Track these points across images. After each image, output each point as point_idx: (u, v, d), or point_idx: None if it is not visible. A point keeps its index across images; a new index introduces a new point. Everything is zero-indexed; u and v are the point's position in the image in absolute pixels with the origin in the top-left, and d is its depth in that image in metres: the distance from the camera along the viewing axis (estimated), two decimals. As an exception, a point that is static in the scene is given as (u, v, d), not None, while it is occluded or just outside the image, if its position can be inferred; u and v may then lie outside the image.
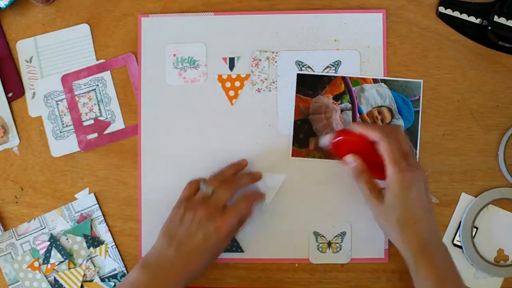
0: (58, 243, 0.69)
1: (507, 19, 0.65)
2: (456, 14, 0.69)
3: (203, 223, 0.60)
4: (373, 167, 0.61)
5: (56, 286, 0.68)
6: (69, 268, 0.69)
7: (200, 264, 0.60)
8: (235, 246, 0.68)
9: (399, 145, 0.59)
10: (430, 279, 0.56)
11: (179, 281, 0.59)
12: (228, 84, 0.70)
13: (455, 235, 0.67)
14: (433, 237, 0.59)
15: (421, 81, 0.69)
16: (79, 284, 0.68)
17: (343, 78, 0.69)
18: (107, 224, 0.69)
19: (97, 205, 0.70)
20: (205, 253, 0.60)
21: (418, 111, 0.69)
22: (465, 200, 0.68)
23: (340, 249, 0.68)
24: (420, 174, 0.59)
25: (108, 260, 0.69)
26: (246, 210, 0.63)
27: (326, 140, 0.64)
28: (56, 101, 0.71)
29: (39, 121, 0.71)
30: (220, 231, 0.60)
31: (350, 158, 0.63)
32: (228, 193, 0.63)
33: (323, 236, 0.68)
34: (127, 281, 0.59)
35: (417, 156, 0.68)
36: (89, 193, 0.70)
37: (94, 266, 0.69)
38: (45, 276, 0.69)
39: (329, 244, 0.68)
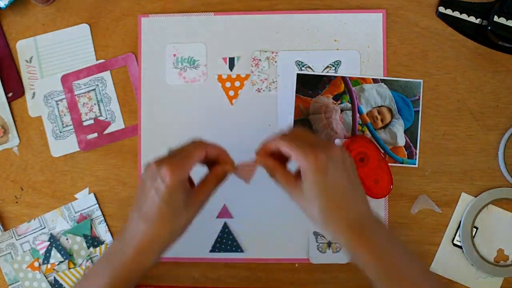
0: (58, 243, 0.69)
1: (507, 19, 0.65)
2: (456, 14, 0.69)
3: (153, 176, 0.53)
4: (369, 179, 0.64)
5: (56, 286, 0.68)
6: (69, 268, 0.69)
7: (162, 222, 0.54)
8: (235, 246, 0.68)
9: (302, 138, 0.55)
10: (373, 261, 0.52)
11: (145, 247, 0.54)
12: (228, 84, 0.70)
13: (455, 235, 0.67)
14: (365, 217, 0.54)
15: (421, 81, 0.69)
16: (79, 284, 0.68)
17: (343, 78, 0.69)
18: (107, 224, 0.69)
19: (97, 205, 0.70)
20: (162, 207, 0.53)
21: (418, 111, 0.69)
22: (465, 200, 0.68)
23: (340, 249, 0.68)
24: (334, 153, 0.53)
25: (108, 260, 0.69)
26: (196, 151, 0.55)
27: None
28: (56, 101, 0.71)
29: (39, 121, 0.71)
30: (166, 178, 0.52)
31: (260, 161, 0.58)
32: (188, 147, 0.56)
33: (323, 236, 0.68)
34: (104, 252, 0.60)
35: (417, 156, 0.68)
36: (89, 193, 0.70)
37: (94, 266, 0.69)
38: (45, 276, 0.69)
39: (329, 244, 0.68)
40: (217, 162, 0.57)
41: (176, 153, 0.55)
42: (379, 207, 0.68)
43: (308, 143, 0.54)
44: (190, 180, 0.57)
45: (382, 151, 0.68)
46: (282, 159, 0.57)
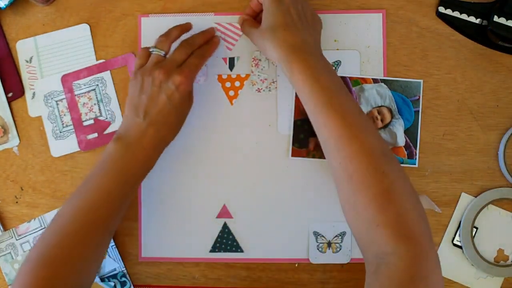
0: (58, 243, 0.69)
1: (507, 19, 0.65)
2: (456, 14, 0.69)
3: (163, 84, 0.60)
4: None
5: (56, 286, 0.68)
6: (69, 268, 0.69)
7: (170, 125, 0.61)
8: (235, 246, 0.68)
9: None
10: (304, 74, 0.57)
11: (153, 147, 0.60)
12: (228, 84, 0.70)
13: (455, 235, 0.67)
14: (308, 44, 0.59)
15: (421, 81, 0.69)
16: (79, 284, 0.68)
17: (343, 78, 0.69)
18: (107, 224, 0.69)
19: (97, 205, 0.69)
20: (172, 113, 0.61)
21: (418, 111, 0.69)
22: (465, 200, 0.68)
23: (340, 249, 0.68)
24: None
25: (108, 260, 0.69)
26: (201, 63, 0.64)
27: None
28: (56, 101, 0.71)
29: (39, 121, 0.71)
30: (181, 87, 0.60)
31: (239, 20, 0.68)
32: (183, 54, 0.63)
33: (323, 236, 0.68)
34: (104, 156, 0.59)
35: (417, 156, 0.68)
36: (89, 193, 0.70)
37: (94, 266, 0.69)
38: (45, 276, 0.69)
39: (329, 244, 0.68)
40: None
41: (185, 64, 0.62)
42: (379, 207, 0.68)
43: None
44: None
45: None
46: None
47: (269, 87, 0.70)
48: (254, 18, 0.68)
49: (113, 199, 0.58)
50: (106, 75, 0.71)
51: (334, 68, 0.68)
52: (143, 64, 0.63)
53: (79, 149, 0.70)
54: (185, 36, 0.66)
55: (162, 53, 0.62)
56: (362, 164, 0.52)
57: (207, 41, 0.67)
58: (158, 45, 0.63)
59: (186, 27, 0.67)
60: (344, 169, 0.54)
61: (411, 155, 0.68)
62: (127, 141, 0.59)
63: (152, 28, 0.71)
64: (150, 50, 0.63)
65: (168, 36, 0.64)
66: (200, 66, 0.64)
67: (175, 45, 0.65)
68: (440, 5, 0.69)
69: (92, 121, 0.71)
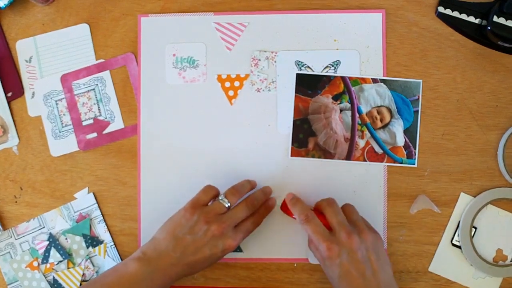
0: (57, 242, 0.69)
1: (507, 19, 0.65)
2: (456, 14, 0.69)
3: (213, 240, 0.60)
4: None
5: (55, 285, 0.68)
6: (68, 268, 0.69)
7: (197, 271, 0.62)
8: (234, 246, 0.69)
9: (328, 220, 0.61)
10: None
11: (173, 280, 0.60)
12: (227, 84, 0.70)
13: (454, 235, 0.67)
14: None
15: (421, 81, 0.69)
16: (78, 284, 0.68)
17: (343, 78, 0.69)
18: (106, 224, 0.69)
19: (96, 205, 0.70)
20: (206, 264, 0.61)
21: (418, 111, 0.69)
22: (464, 200, 0.68)
23: (339, 249, 0.68)
24: (351, 245, 0.58)
25: (107, 260, 0.69)
26: (254, 229, 0.65)
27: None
28: (56, 101, 0.71)
29: (38, 121, 0.71)
30: (227, 250, 0.61)
31: (303, 227, 0.63)
32: (244, 214, 0.63)
33: (322, 236, 0.68)
34: (125, 272, 0.58)
35: (416, 156, 0.68)
36: (88, 192, 0.70)
37: (93, 265, 0.69)
38: (44, 275, 0.69)
39: (328, 244, 0.68)
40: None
41: (241, 227, 0.63)
42: (379, 207, 0.68)
43: (332, 227, 0.60)
44: None
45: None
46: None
47: (269, 87, 0.70)
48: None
49: None
50: (106, 75, 0.71)
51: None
52: (204, 202, 0.62)
53: (78, 149, 0.70)
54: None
55: (228, 205, 0.62)
56: None
57: (265, 202, 0.67)
58: (228, 196, 0.63)
59: (254, 185, 0.67)
60: None
61: (410, 155, 0.68)
62: (153, 267, 0.59)
63: (152, 28, 0.71)
64: (220, 198, 0.63)
65: (240, 192, 0.64)
66: (251, 231, 0.64)
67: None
68: (439, 5, 0.69)
69: (91, 121, 0.71)
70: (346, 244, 0.58)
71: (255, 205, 0.64)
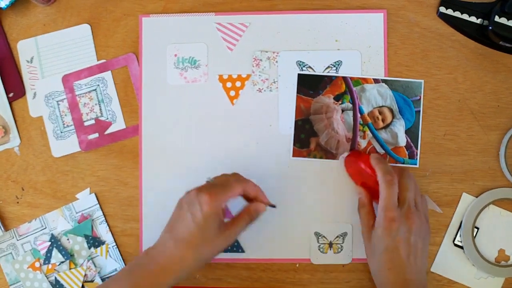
0: (59, 243, 0.69)
1: (508, 19, 0.65)
2: (457, 14, 0.69)
3: (192, 201, 0.57)
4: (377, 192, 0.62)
5: (57, 286, 0.68)
6: (70, 269, 0.69)
7: (193, 245, 0.58)
8: (236, 246, 0.68)
9: (400, 191, 0.61)
10: None
11: (172, 264, 0.58)
12: (229, 84, 0.70)
13: (456, 235, 0.67)
14: (412, 284, 0.58)
15: (422, 81, 0.69)
16: (80, 284, 0.68)
17: (344, 78, 0.69)
18: (108, 225, 0.69)
19: (98, 205, 0.69)
20: (195, 231, 0.57)
21: (419, 111, 0.69)
22: (466, 200, 0.68)
23: (341, 249, 0.68)
24: (410, 222, 0.59)
25: (109, 261, 0.69)
26: (235, 195, 0.60)
27: (343, 155, 0.67)
28: (57, 101, 0.71)
29: (40, 121, 0.71)
30: (204, 207, 0.56)
31: (358, 189, 0.65)
32: (224, 177, 0.61)
33: (324, 236, 0.68)
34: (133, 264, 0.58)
35: (418, 156, 0.68)
36: (90, 193, 0.70)
37: (95, 266, 0.69)
38: (46, 276, 0.69)
39: (330, 244, 0.68)
40: (253, 200, 0.62)
41: (217, 183, 0.59)
42: (380, 207, 0.68)
43: (402, 201, 0.61)
44: (224, 213, 0.60)
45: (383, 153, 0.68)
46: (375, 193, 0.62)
47: (270, 87, 0.70)
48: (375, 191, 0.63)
49: None
50: (107, 75, 0.71)
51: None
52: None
53: (80, 149, 0.70)
54: None
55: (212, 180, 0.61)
56: None
57: (256, 197, 0.62)
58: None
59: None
60: None
61: (412, 155, 0.68)
62: (150, 252, 0.59)
63: (153, 28, 0.71)
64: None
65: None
66: (232, 197, 0.59)
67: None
68: (441, 5, 0.69)
69: (93, 121, 0.71)
70: (407, 223, 0.59)
71: (242, 180, 0.61)
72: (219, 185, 0.59)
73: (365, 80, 0.69)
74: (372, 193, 0.64)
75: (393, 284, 0.59)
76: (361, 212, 0.64)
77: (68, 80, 0.71)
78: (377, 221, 0.61)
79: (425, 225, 0.62)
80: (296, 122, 0.69)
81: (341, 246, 0.68)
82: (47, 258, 0.69)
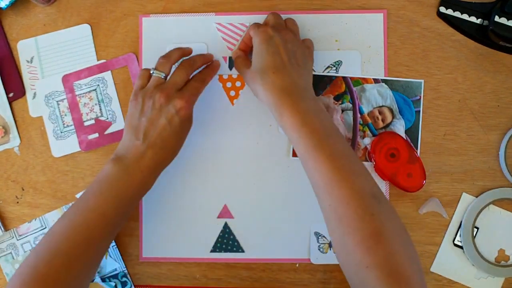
0: (59, 243, 0.69)
1: (508, 19, 0.65)
2: (457, 14, 0.69)
3: (163, 107, 0.60)
4: (402, 173, 0.64)
5: (57, 286, 0.68)
6: (70, 268, 0.69)
7: (169, 149, 0.61)
8: (236, 246, 0.68)
9: (268, 21, 0.65)
10: (293, 118, 0.57)
11: (152, 169, 0.60)
12: (229, 84, 0.70)
13: (455, 235, 0.67)
14: (299, 88, 0.59)
15: (422, 81, 0.69)
16: (80, 284, 0.68)
17: (344, 78, 0.69)
18: (108, 224, 0.69)
19: (98, 205, 0.69)
20: (172, 136, 0.61)
21: (419, 111, 0.69)
22: (466, 200, 0.68)
23: (341, 249, 0.68)
24: (284, 33, 0.62)
25: (109, 260, 0.69)
26: (202, 87, 0.64)
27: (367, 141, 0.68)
28: (57, 101, 0.71)
29: (40, 121, 0.71)
30: (181, 112, 0.60)
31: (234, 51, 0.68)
32: (183, 75, 0.63)
33: (324, 236, 0.68)
34: (101, 176, 0.59)
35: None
36: (90, 193, 0.70)
37: (95, 266, 0.69)
38: (46, 276, 0.69)
39: (330, 244, 0.68)
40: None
41: (185, 87, 0.63)
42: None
43: (270, 25, 0.64)
44: None
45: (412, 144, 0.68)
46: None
47: (270, 87, 0.70)
48: (248, 53, 0.68)
49: (108, 219, 0.57)
50: (107, 75, 0.71)
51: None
52: (143, 85, 0.63)
53: (80, 149, 0.70)
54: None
55: (163, 75, 0.62)
56: (351, 207, 0.52)
57: (207, 64, 0.67)
58: (158, 67, 0.62)
59: (187, 51, 0.66)
60: (334, 212, 0.53)
61: (412, 155, 0.68)
62: (125, 163, 0.59)
63: (153, 28, 0.71)
64: (151, 72, 0.63)
65: (169, 58, 0.63)
66: (201, 90, 0.64)
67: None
68: (441, 5, 0.69)
69: (93, 121, 0.71)
70: (281, 33, 0.62)
71: (192, 65, 0.64)
72: (190, 87, 0.62)
73: (365, 80, 0.69)
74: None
75: (279, 87, 0.59)
76: (237, 61, 0.66)
77: (68, 80, 0.71)
78: (253, 40, 0.63)
79: (303, 43, 0.66)
80: (296, 122, 0.69)
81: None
82: (47, 258, 0.69)
